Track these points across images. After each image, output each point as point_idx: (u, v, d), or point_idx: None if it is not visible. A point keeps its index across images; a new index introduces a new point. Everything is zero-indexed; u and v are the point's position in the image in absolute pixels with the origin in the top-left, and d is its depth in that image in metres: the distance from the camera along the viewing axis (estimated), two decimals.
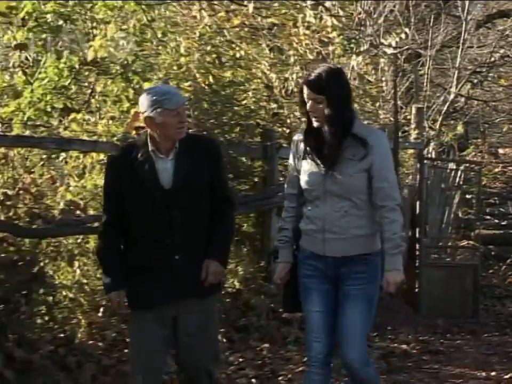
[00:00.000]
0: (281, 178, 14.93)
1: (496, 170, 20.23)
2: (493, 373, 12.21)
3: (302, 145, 7.49)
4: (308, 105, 7.22)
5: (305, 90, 7.26)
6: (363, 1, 17.62)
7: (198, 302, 7.28)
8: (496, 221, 18.72)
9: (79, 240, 12.12)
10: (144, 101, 7.39)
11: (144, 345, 7.34)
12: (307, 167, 7.41)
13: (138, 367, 7.44)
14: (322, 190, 7.28)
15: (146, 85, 13.76)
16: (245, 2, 16.31)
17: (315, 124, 7.25)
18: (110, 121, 13.40)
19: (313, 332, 7.49)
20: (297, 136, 7.63)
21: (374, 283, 7.39)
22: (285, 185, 7.81)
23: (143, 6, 14.14)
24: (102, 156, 12.82)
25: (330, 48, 17.36)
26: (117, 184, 7.36)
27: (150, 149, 7.23)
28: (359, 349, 7.39)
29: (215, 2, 15.84)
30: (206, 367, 7.44)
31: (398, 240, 7.24)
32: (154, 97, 7.28)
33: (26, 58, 14.60)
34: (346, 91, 7.44)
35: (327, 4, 16.66)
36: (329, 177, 7.24)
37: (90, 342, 11.41)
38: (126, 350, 11.40)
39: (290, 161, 7.69)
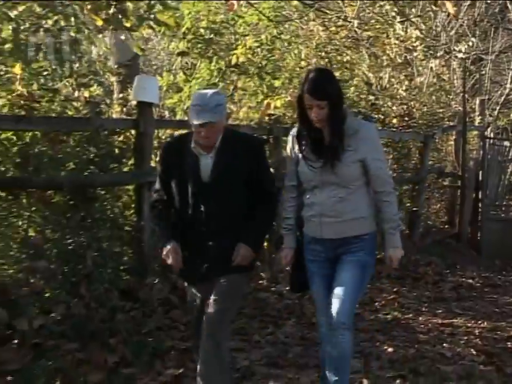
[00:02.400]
0: None
1: None
2: None
3: (299, 141, 6.58)
4: (313, 111, 6.29)
5: (308, 97, 6.31)
6: (439, 17, 17.20)
7: (228, 276, 6.50)
8: None
9: None
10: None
11: (193, 311, 6.86)
12: (303, 161, 6.53)
13: (192, 328, 6.96)
14: (320, 180, 6.43)
15: (276, 83, 13.78)
16: (349, 19, 16.18)
17: (317, 125, 6.38)
18: (248, 110, 13.38)
19: (321, 311, 6.68)
20: (294, 132, 6.68)
21: (370, 255, 6.54)
22: (285, 178, 6.91)
23: (274, 23, 14.19)
24: None
25: (414, 54, 17.24)
26: (166, 171, 6.67)
27: (192, 145, 6.45)
28: (346, 310, 6.43)
29: (326, 19, 15.72)
30: (212, 334, 6.50)
31: (397, 220, 6.53)
32: (191, 102, 6.48)
33: (186, 63, 14.73)
34: (339, 90, 6.51)
35: (413, 19, 16.47)
36: (326, 169, 6.37)
37: None
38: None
39: (288, 154, 6.79)
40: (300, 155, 6.55)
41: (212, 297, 6.51)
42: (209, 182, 6.43)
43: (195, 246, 6.50)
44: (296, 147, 6.59)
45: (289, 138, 6.73)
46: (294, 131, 6.67)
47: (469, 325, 10.73)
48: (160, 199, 6.78)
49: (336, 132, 6.34)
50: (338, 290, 6.42)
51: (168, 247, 6.55)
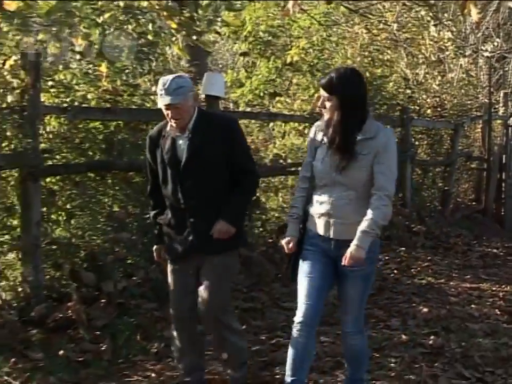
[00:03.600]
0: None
1: None
2: None
3: (320, 134, 5.84)
4: (320, 101, 5.69)
5: (321, 89, 5.69)
6: (468, 20, 17.07)
7: (214, 257, 6.04)
8: None
9: (282, 179, 12.13)
10: None
11: (174, 291, 6.25)
12: (321, 156, 5.81)
13: (172, 308, 6.30)
14: (331, 179, 5.72)
15: None
16: (389, 23, 16.09)
17: (326, 117, 5.68)
18: (301, 102, 13.36)
19: (302, 295, 5.85)
20: (317, 125, 5.93)
21: (372, 264, 5.88)
22: (302, 168, 6.18)
23: (324, 26, 14.10)
24: (296, 124, 12.83)
25: (446, 53, 17.12)
26: (151, 157, 6.21)
27: (168, 128, 6.03)
28: (354, 318, 5.94)
29: (369, 23, 15.64)
30: (214, 315, 6.14)
31: (372, 224, 5.52)
32: (159, 85, 5.95)
33: (247, 61, 14.69)
34: (357, 91, 5.68)
35: (445, 23, 16.36)
36: (338, 168, 5.68)
37: None
38: None
39: (308, 146, 6.06)
40: (319, 149, 5.85)
41: (204, 283, 6.08)
42: (186, 162, 5.99)
43: (178, 223, 6.11)
44: (317, 139, 5.86)
45: (312, 129, 6.00)
46: (317, 123, 5.95)
47: (494, 288, 10.67)
48: (150, 191, 6.38)
49: (344, 129, 5.61)
50: (347, 307, 5.98)
51: (155, 246, 6.43)
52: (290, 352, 5.87)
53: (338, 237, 5.76)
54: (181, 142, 6.04)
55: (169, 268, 6.32)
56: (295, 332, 5.84)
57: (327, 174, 5.74)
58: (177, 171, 6.02)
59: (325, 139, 5.77)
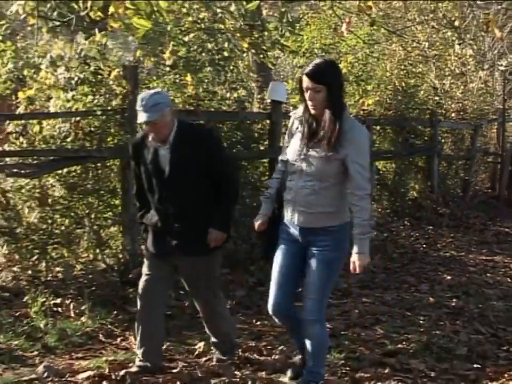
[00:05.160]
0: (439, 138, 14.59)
1: None
2: None
3: (296, 123, 5.13)
4: (307, 94, 4.89)
5: (305, 80, 4.90)
6: (487, 40, 16.90)
7: (196, 259, 5.50)
8: None
9: None
10: None
11: (148, 281, 5.62)
12: (293, 143, 5.12)
13: (142, 295, 5.65)
14: (299, 167, 5.00)
15: (368, 87, 13.59)
16: (421, 42, 15.98)
17: (312, 112, 4.94)
18: (349, 106, 13.28)
19: (274, 283, 5.27)
20: (294, 114, 5.22)
21: (337, 251, 5.09)
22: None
23: (367, 45, 14.04)
24: None
25: (468, 67, 16.95)
26: (135, 164, 5.62)
27: (150, 139, 5.41)
28: (313, 305, 5.14)
29: (404, 42, 15.54)
30: (203, 298, 5.73)
31: (367, 226, 4.96)
32: (138, 101, 5.38)
33: None
34: (341, 81, 5.09)
35: (467, 42, 16.22)
36: (308, 158, 4.98)
37: None
38: None
39: (287, 132, 5.32)
40: (293, 137, 5.15)
41: (189, 284, 5.67)
42: (168, 172, 5.38)
43: (163, 226, 5.50)
44: (294, 127, 5.16)
45: (291, 117, 5.25)
46: (295, 111, 5.23)
47: (506, 260, 10.58)
48: (136, 193, 5.79)
49: (334, 116, 4.87)
50: (307, 290, 5.19)
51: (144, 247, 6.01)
52: (309, 343, 5.25)
53: (302, 224, 5.09)
54: (163, 152, 5.43)
55: (147, 260, 5.74)
56: (305, 330, 5.25)
57: (295, 162, 5.04)
58: (161, 181, 5.44)
59: (300, 128, 5.06)
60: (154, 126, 5.32)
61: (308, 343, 5.27)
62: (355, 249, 4.99)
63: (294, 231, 5.16)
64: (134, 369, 5.58)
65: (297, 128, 5.11)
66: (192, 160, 5.38)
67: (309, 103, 4.94)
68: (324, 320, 5.32)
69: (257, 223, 5.34)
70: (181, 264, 5.62)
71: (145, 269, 5.74)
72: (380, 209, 12.90)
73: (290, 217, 5.14)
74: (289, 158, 5.12)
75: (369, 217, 5.01)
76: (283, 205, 5.24)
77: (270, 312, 5.33)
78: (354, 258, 4.99)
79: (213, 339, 5.93)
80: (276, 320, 5.42)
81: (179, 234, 5.48)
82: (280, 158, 5.38)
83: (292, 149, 5.12)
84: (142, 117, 5.30)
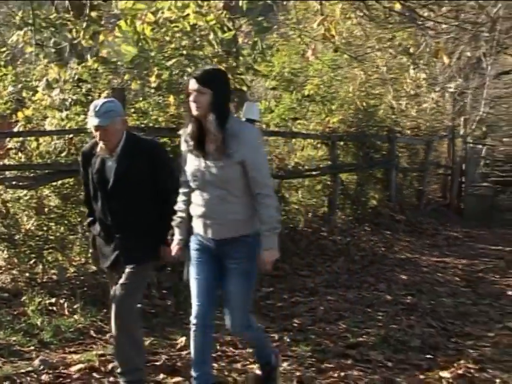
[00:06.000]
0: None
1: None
2: (499, 247, 11.86)
3: (188, 139, 4.61)
4: (192, 96, 4.43)
5: (192, 83, 4.44)
6: (438, 65, 17.05)
7: (134, 267, 4.94)
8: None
9: (300, 180, 12.11)
10: None
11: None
12: (191, 160, 4.61)
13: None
14: (202, 180, 4.54)
15: (333, 107, 13.65)
16: (380, 66, 16.08)
17: (195, 113, 4.44)
18: (316, 124, 13.40)
19: (194, 297, 4.72)
20: (183, 131, 4.65)
21: (253, 261, 4.59)
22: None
23: (332, 69, 14.08)
24: (312, 140, 12.86)
25: (422, 89, 17.06)
26: (83, 172, 5.10)
27: (98, 149, 4.95)
28: (239, 316, 4.71)
29: (365, 67, 15.66)
30: (119, 315, 4.92)
31: (274, 222, 4.48)
32: (90, 108, 4.89)
33: (276, 94, 14.72)
34: (228, 90, 4.60)
35: (421, 67, 16.30)
36: (207, 169, 4.51)
37: (305, 228, 11.37)
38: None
39: (182, 152, 4.74)
40: (189, 154, 4.65)
41: (118, 285, 4.99)
42: (113, 184, 4.90)
43: (106, 236, 5.04)
44: (185, 145, 4.66)
45: (182, 137, 4.70)
46: (183, 130, 4.69)
47: (455, 261, 10.66)
48: (85, 200, 5.36)
49: (218, 120, 4.41)
50: (230, 304, 4.70)
51: (91, 251, 5.43)
52: (191, 349, 4.72)
53: (215, 236, 4.61)
54: (109, 163, 4.95)
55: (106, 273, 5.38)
56: (192, 331, 4.71)
57: (197, 176, 4.57)
58: (105, 191, 4.96)
59: (191, 143, 4.58)
60: (104, 133, 4.83)
61: (250, 346, 4.97)
62: (263, 245, 4.51)
63: (208, 244, 4.66)
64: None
65: (189, 145, 4.63)
66: (137, 173, 4.91)
67: (192, 104, 4.45)
68: (251, 322, 4.88)
69: (174, 249, 4.80)
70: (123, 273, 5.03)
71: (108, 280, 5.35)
72: (343, 217, 12.93)
73: (203, 231, 4.65)
74: (191, 174, 4.62)
75: (275, 213, 4.53)
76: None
77: (194, 324, 4.68)
78: (264, 254, 4.52)
79: (119, 369, 5.09)
80: (197, 336, 4.69)
81: (120, 245, 4.98)
82: (182, 179, 4.77)
83: (191, 165, 4.62)
84: (93, 121, 4.83)
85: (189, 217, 4.75)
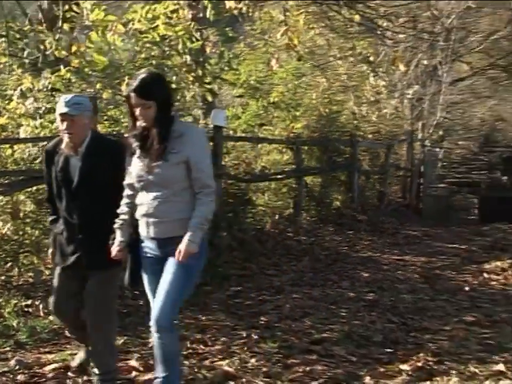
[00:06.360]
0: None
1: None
2: (455, 245, 11.90)
3: (132, 141, 4.39)
4: (138, 111, 4.25)
5: (134, 97, 4.25)
6: (397, 73, 17.17)
7: (98, 272, 4.69)
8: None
9: (267, 183, 12.13)
10: None
11: (57, 293, 4.89)
12: (135, 162, 4.40)
13: (54, 309, 4.97)
14: (146, 181, 4.35)
15: (297, 113, 13.71)
16: (341, 74, 16.17)
17: (143, 125, 4.27)
18: (281, 129, 13.40)
19: (151, 301, 4.51)
20: (130, 135, 4.42)
21: (194, 258, 4.30)
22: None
23: (296, 77, 14.12)
24: (277, 145, 12.86)
25: (381, 95, 17.17)
26: (46, 170, 4.88)
27: (62, 147, 4.73)
28: (164, 313, 4.33)
29: (328, 74, 15.72)
30: (95, 323, 4.76)
31: (203, 219, 4.28)
32: (60, 100, 4.71)
33: (243, 101, 14.72)
34: (169, 94, 4.45)
35: (380, 74, 16.41)
36: (152, 170, 4.32)
37: (271, 229, 11.37)
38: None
39: (127, 156, 4.50)
40: (133, 157, 4.44)
41: (87, 294, 4.74)
42: (77, 183, 4.68)
43: (68, 236, 4.77)
44: (131, 149, 4.43)
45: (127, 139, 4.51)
46: (127, 132, 4.55)
47: (414, 259, 10.69)
48: (47, 199, 5.05)
49: (162, 133, 4.26)
50: (160, 293, 4.37)
51: (51, 250, 5.00)
52: (154, 353, 4.44)
53: (159, 236, 4.40)
54: (73, 162, 4.72)
55: (56, 271, 4.99)
56: (153, 337, 4.42)
57: (141, 177, 4.37)
58: (69, 190, 4.72)
59: (137, 144, 4.38)
60: (71, 123, 4.61)
61: (157, 351, 4.41)
62: (186, 237, 4.25)
63: (152, 245, 4.45)
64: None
65: (133, 147, 4.41)
66: (101, 172, 4.66)
67: (140, 118, 4.28)
68: (173, 328, 4.44)
69: (114, 250, 4.51)
70: (87, 275, 4.77)
71: (54, 284, 4.99)
72: (308, 218, 12.98)
73: (146, 231, 4.43)
74: (135, 175, 4.42)
75: (209, 213, 4.34)
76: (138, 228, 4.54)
77: (154, 329, 4.36)
78: (183, 244, 4.25)
79: (95, 370, 4.89)
80: (157, 341, 4.39)
81: (82, 246, 4.73)
82: (126, 182, 4.52)
83: (135, 166, 4.42)
84: (61, 109, 4.61)
85: (132, 220, 4.53)
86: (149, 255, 4.49)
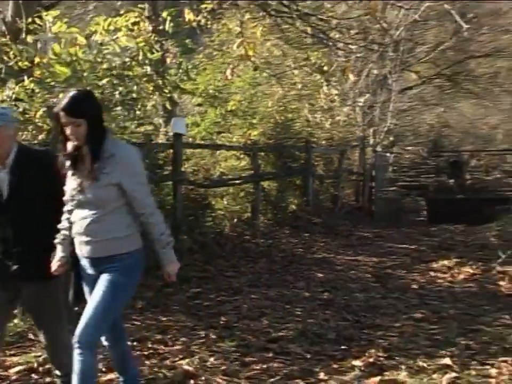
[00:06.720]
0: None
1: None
2: (405, 245, 12.00)
3: (64, 160, 4.14)
4: (69, 129, 4.00)
5: (63, 116, 3.98)
6: (348, 82, 17.26)
7: (38, 284, 4.32)
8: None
9: (225, 189, 12.14)
10: None
11: None
12: (69, 180, 4.15)
13: None
14: (78, 200, 4.10)
15: (254, 121, 13.74)
16: (296, 83, 16.20)
17: (74, 143, 4.04)
18: (238, 136, 13.43)
19: None
20: (61, 155, 4.14)
21: (125, 276, 4.10)
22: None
23: (252, 86, 14.14)
24: (235, 152, 12.87)
25: (335, 103, 17.25)
26: None
27: None
28: (87, 331, 4.04)
29: (283, 83, 15.74)
30: (47, 330, 4.47)
31: (166, 238, 4.14)
32: None
33: (201, 109, 14.69)
34: (99, 110, 4.15)
35: (333, 84, 16.50)
36: (83, 189, 4.06)
37: (230, 232, 11.38)
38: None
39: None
40: (68, 174, 4.17)
41: (35, 315, 4.51)
42: (7, 196, 4.30)
43: (4, 250, 4.37)
44: (66, 166, 4.16)
45: (60, 157, 4.18)
46: (61, 154, 4.19)
47: (366, 259, 10.76)
48: None
49: (93, 152, 4.03)
50: (86, 311, 4.09)
51: None
52: (74, 370, 4.11)
53: (90, 255, 4.14)
54: (1, 175, 4.32)
55: None
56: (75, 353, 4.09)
57: (74, 196, 4.13)
58: (1, 203, 4.33)
59: (69, 164, 4.14)
60: None
61: (75, 366, 4.09)
62: (163, 261, 4.17)
63: (86, 263, 4.20)
64: None
65: (66, 165, 4.16)
66: (31, 185, 4.32)
67: (71, 137, 4.04)
68: (94, 348, 4.12)
69: (54, 265, 4.24)
70: (25, 292, 4.44)
71: None
72: (265, 221, 13.01)
73: (80, 250, 4.19)
74: (69, 194, 4.18)
75: (163, 229, 4.17)
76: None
77: (76, 345, 4.07)
78: (167, 269, 4.19)
79: (57, 372, 4.65)
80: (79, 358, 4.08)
81: (18, 259, 4.35)
82: (65, 198, 4.23)
83: (70, 184, 4.17)
84: None
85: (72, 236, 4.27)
86: (86, 274, 4.25)
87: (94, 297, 4.10)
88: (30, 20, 8.60)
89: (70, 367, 4.44)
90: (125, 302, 4.36)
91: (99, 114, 4.14)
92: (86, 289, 4.28)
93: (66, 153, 4.13)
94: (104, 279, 4.10)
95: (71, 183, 4.16)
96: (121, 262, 4.10)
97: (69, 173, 4.17)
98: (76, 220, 4.16)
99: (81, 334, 4.05)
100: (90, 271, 4.20)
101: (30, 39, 8.69)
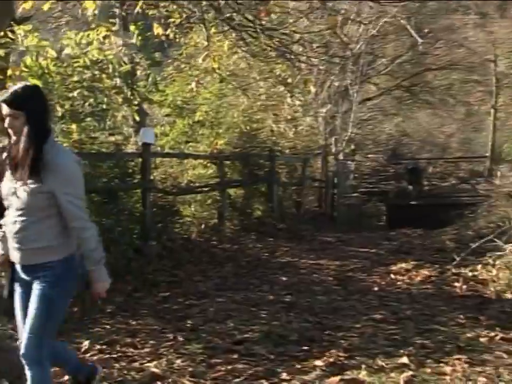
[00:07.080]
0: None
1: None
2: (366, 249, 12.03)
3: (3, 159, 3.85)
4: (6, 121, 3.74)
5: (4, 107, 3.71)
6: (312, 93, 17.35)
7: None
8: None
9: (193, 196, 12.16)
10: None
11: None
12: (6, 178, 3.82)
13: None
14: (10, 202, 3.80)
15: (220, 131, 13.76)
16: (261, 94, 16.24)
17: (13, 137, 3.74)
18: (205, 146, 13.43)
19: (18, 332, 4.04)
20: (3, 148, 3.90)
21: (57, 287, 3.82)
22: None
23: (218, 97, 14.16)
24: (202, 160, 12.85)
25: (298, 113, 17.35)
26: None
27: None
28: (31, 347, 3.82)
29: (248, 94, 15.76)
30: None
31: (96, 256, 3.84)
32: None
33: (170, 120, 14.67)
34: (44, 107, 3.81)
35: (296, 95, 16.59)
36: (16, 192, 3.74)
37: (198, 238, 11.35)
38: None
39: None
40: (6, 172, 3.84)
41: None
42: None
43: None
44: (5, 162, 3.84)
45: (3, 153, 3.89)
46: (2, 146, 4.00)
47: (328, 263, 10.73)
48: None
49: (28, 151, 3.68)
50: (26, 327, 3.86)
51: None
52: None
53: (20, 262, 3.88)
54: None
55: None
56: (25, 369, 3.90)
57: (7, 197, 3.83)
58: None
59: (7, 161, 3.82)
60: None
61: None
62: (93, 278, 3.89)
63: (19, 268, 3.92)
64: None
65: (5, 165, 3.85)
66: None
67: (9, 130, 3.77)
68: (43, 361, 3.91)
69: None
70: None
71: None
72: (232, 227, 13.00)
73: (11, 254, 3.92)
74: (3, 193, 3.87)
75: (94, 245, 3.86)
76: None
77: (25, 362, 3.89)
78: (96, 286, 3.92)
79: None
80: (28, 370, 3.91)
81: None
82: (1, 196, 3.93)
83: (5, 183, 3.86)
84: None
85: None
86: (18, 277, 3.97)
87: (30, 316, 3.87)
88: (2, 33, 8.52)
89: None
90: (62, 313, 4.06)
91: (42, 112, 3.82)
92: (17, 293, 4.01)
93: (5, 149, 3.86)
94: (35, 295, 3.86)
95: (7, 183, 3.86)
96: (50, 270, 3.83)
97: (7, 171, 3.86)
98: (7, 223, 3.90)
99: (25, 353, 3.87)
100: (22, 275, 3.94)
101: (1, 52, 8.62)
